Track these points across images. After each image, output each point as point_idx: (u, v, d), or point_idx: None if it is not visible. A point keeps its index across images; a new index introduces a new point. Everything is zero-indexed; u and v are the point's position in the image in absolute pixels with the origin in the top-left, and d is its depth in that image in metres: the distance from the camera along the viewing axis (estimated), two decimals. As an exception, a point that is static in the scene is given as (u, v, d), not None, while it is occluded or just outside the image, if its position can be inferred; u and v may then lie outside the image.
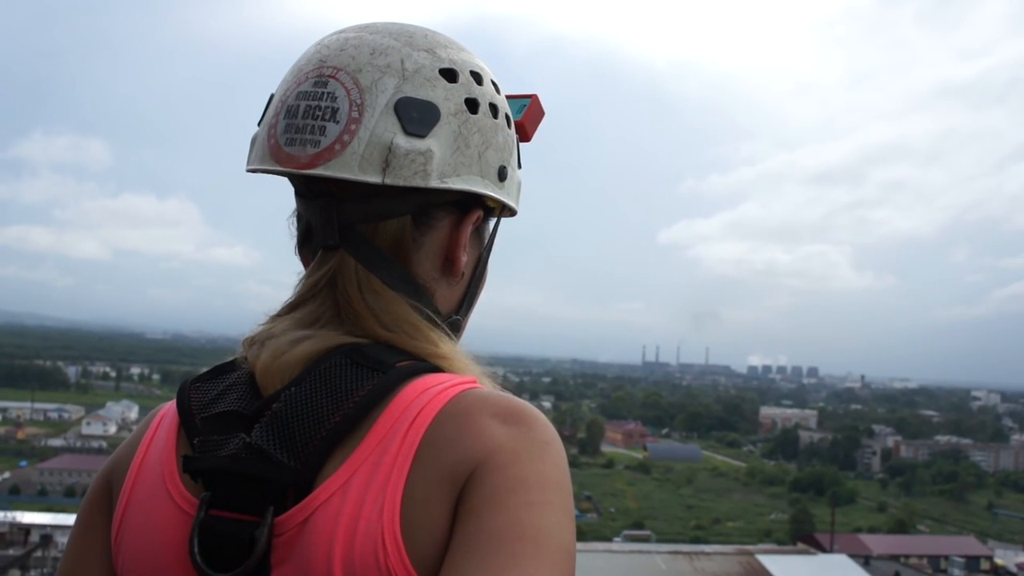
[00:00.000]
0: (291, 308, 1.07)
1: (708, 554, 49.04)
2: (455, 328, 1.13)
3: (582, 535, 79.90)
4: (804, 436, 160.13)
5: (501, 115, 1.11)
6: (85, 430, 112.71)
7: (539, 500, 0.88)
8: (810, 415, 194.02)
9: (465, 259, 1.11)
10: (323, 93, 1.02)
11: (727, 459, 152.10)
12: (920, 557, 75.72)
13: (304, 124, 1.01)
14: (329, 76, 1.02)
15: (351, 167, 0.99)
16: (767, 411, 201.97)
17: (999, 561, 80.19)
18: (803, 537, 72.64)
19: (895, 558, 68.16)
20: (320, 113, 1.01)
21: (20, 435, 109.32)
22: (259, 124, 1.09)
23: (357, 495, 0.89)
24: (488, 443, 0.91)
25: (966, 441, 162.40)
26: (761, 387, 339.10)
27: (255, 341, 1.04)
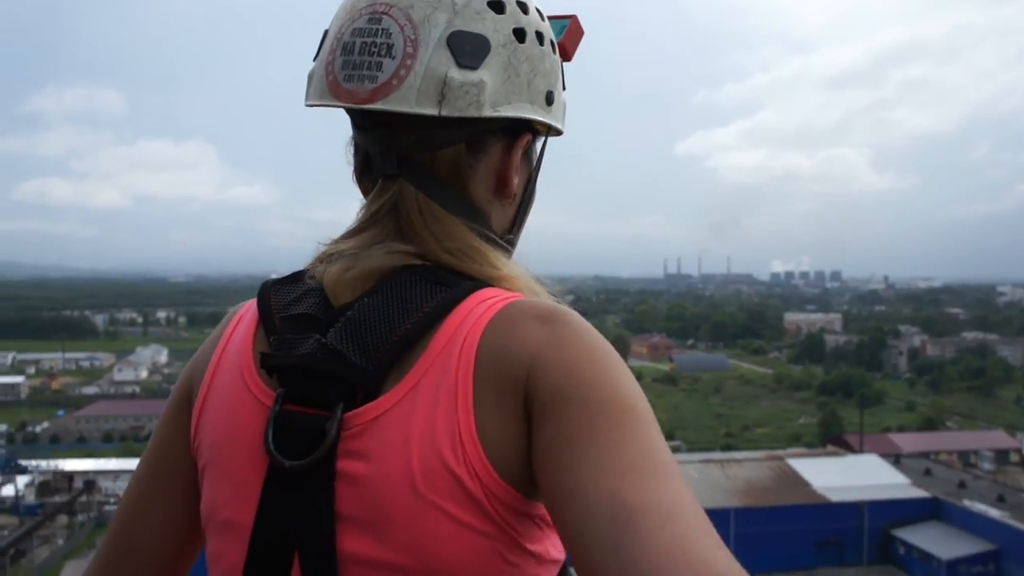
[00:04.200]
0: (354, 232, 1.12)
1: (739, 461, 49.57)
2: (510, 246, 1.19)
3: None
4: (830, 340, 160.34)
5: (547, 41, 1.16)
6: (117, 376, 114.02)
7: (595, 372, 0.95)
8: (835, 319, 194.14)
9: (516, 180, 1.17)
10: (377, 30, 1.06)
11: (753, 367, 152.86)
12: (950, 453, 76.07)
13: (361, 60, 1.06)
14: (382, 13, 1.06)
15: (408, 100, 1.04)
16: (791, 317, 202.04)
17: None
18: (833, 439, 73.12)
19: (925, 455, 68.54)
20: (376, 49, 1.05)
21: (55, 385, 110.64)
22: (314, 60, 1.15)
23: (429, 397, 0.95)
24: (531, 345, 0.97)
25: (992, 337, 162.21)
26: (784, 293, 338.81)
27: (323, 258, 1.11)
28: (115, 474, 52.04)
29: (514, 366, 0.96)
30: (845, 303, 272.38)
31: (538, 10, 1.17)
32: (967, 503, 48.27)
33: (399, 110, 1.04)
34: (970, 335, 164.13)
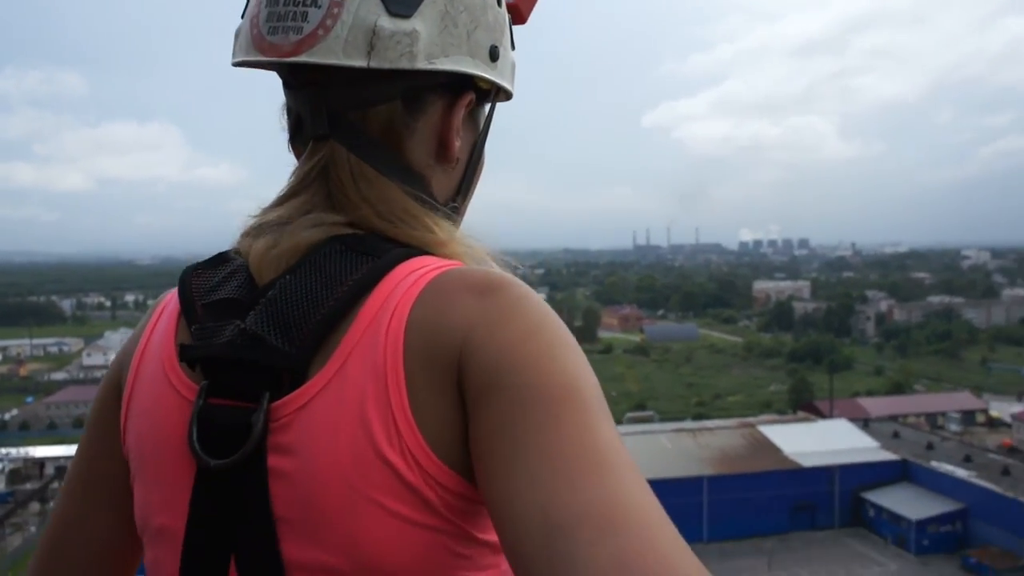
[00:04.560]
0: (283, 200, 1.03)
1: (711, 429, 49.98)
2: (454, 214, 1.10)
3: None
4: (798, 307, 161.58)
5: None
6: (86, 361, 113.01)
7: (533, 351, 0.86)
8: (803, 286, 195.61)
9: (459, 144, 1.08)
10: None
11: (724, 335, 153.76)
12: (918, 415, 76.92)
13: (286, 11, 0.98)
14: None
15: (335, 52, 0.96)
16: (760, 285, 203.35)
17: (994, 413, 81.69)
18: (803, 405, 73.74)
19: (893, 418, 69.26)
20: None
21: (23, 372, 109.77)
22: (242, 16, 1.06)
23: (357, 380, 0.88)
24: (465, 321, 0.89)
25: (958, 300, 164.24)
26: (753, 262, 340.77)
27: (250, 232, 1.02)
28: (87, 459, 51.69)
29: (446, 344, 0.88)
30: (813, 270, 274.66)
31: None
32: (935, 464, 48.84)
33: (325, 62, 0.97)
34: (936, 299, 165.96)
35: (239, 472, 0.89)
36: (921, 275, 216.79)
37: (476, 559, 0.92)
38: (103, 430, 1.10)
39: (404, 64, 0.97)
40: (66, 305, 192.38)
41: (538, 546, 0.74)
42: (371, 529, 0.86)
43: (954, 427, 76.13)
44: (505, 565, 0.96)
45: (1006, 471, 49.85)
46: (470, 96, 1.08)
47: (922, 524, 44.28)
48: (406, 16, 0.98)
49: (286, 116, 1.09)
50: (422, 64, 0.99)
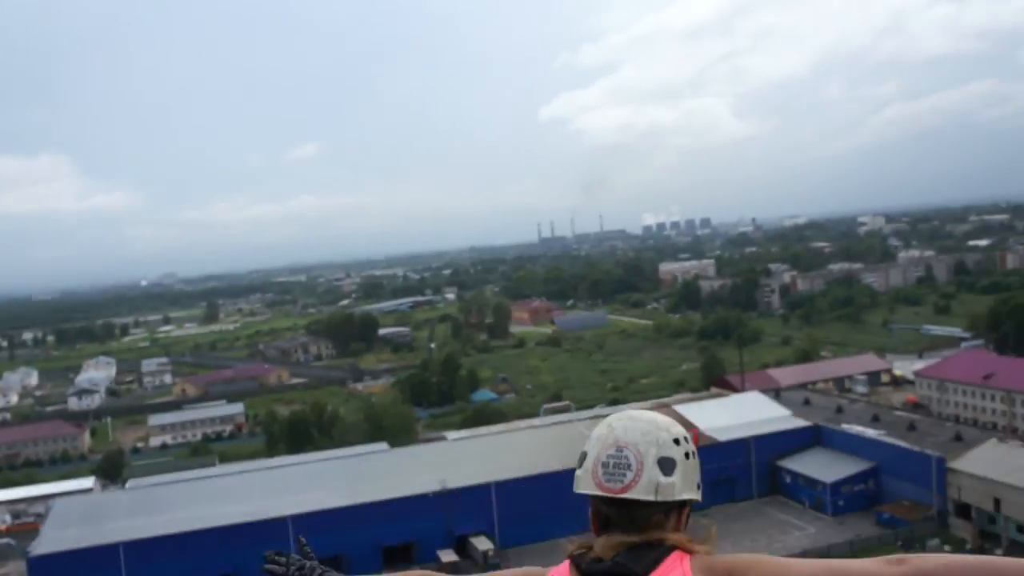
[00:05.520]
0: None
1: (627, 413, 49.91)
2: None
3: (503, 416, 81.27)
4: (705, 285, 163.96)
5: (693, 456, 2.48)
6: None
7: (760, 559, 2.25)
8: (708, 264, 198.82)
9: (683, 532, 2.47)
10: (621, 455, 2.40)
11: (633, 319, 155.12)
12: (826, 381, 78.51)
13: (614, 472, 2.38)
14: (623, 446, 2.41)
15: (640, 492, 2.36)
16: (666, 267, 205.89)
17: (898, 372, 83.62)
18: (716, 381, 74.50)
19: (803, 386, 70.53)
20: (621, 466, 2.38)
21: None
22: (578, 467, 2.48)
23: None
24: (724, 566, 2.27)
25: (857, 266, 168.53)
26: (657, 245, 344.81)
27: (580, 549, 2.46)
28: (-10, 504, 49.82)
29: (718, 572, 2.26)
30: (717, 248, 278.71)
31: (688, 439, 2.48)
32: (845, 427, 49.75)
33: (636, 497, 2.35)
34: (836, 267, 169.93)
35: None
36: (820, 244, 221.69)
37: None
38: None
39: (670, 498, 2.38)
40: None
41: None
42: None
43: (861, 389, 77.69)
44: None
45: (912, 426, 51.04)
46: (689, 508, 2.51)
47: (836, 486, 45.02)
48: (670, 475, 2.38)
49: (595, 516, 2.48)
50: (677, 497, 2.40)
